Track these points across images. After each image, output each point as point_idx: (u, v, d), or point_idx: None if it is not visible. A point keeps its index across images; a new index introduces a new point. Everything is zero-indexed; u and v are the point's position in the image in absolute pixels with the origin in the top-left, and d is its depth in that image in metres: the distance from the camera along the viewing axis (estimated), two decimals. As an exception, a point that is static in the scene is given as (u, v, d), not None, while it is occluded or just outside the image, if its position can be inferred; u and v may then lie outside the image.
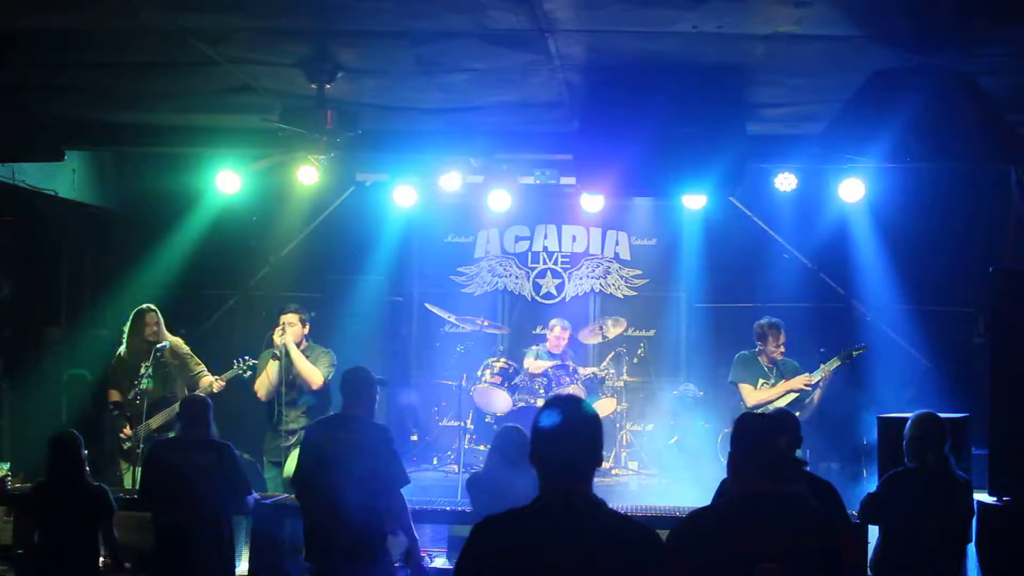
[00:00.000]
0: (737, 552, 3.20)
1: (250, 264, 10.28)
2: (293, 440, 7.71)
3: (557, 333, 9.40)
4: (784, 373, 8.18)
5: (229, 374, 7.76)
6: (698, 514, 3.48)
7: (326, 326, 9.10)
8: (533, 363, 9.28)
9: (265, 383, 7.87)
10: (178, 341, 8.00)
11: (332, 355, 7.99)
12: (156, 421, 7.60)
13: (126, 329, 7.98)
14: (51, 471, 5.83)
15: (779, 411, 5.40)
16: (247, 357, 7.85)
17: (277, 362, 7.80)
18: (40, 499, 5.84)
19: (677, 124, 6.52)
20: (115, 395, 7.91)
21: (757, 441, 3.44)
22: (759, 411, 7.27)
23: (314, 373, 7.78)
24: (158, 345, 7.75)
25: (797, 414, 6.68)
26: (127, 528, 7.00)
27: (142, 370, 7.64)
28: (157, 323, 7.87)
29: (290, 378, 7.82)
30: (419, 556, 5.55)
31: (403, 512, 5.43)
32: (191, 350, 8.04)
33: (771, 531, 3.24)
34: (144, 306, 7.97)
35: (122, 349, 7.96)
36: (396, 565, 5.46)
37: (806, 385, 8.07)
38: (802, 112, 7.37)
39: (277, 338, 7.79)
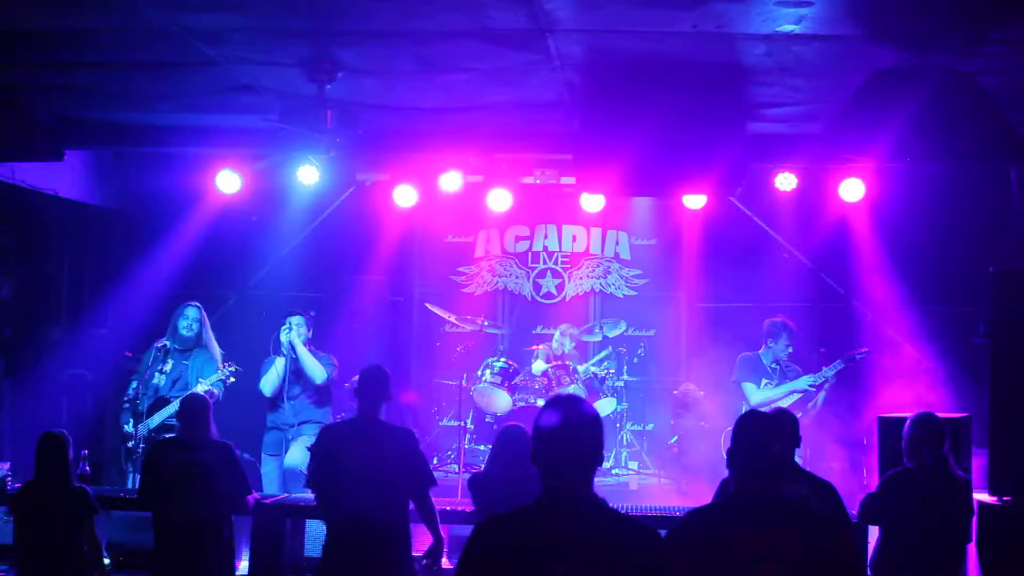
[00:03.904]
0: (736, 552, 3.20)
1: (250, 264, 10.27)
2: (292, 433, 7.90)
3: (558, 339, 9.41)
4: (787, 374, 8.19)
5: (213, 378, 7.71)
6: (696, 514, 3.48)
7: (326, 326, 9.11)
8: (538, 365, 9.32)
9: (270, 380, 8.00)
10: (213, 353, 7.93)
11: (332, 358, 8.12)
12: (154, 420, 7.60)
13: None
14: (37, 471, 5.85)
15: (777, 410, 5.39)
16: (230, 363, 7.84)
17: (283, 359, 7.91)
18: (26, 499, 5.84)
19: (677, 124, 6.52)
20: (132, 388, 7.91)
21: (755, 441, 3.45)
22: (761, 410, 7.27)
23: (318, 368, 7.94)
24: (157, 344, 7.76)
25: (799, 415, 6.67)
26: (127, 528, 7.04)
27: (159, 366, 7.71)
28: (197, 319, 7.88)
29: (294, 373, 7.94)
30: (441, 556, 5.56)
31: (432, 515, 5.47)
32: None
33: (770, 531, 3.24)
34: (187, 303, 7.98)
35: (159, 342, 7.89)
36: (423, 563, 5.48)
37: (810, 386, 8.08)
38: (802, 112, 7.37)
39: (283, 336, 7.88)
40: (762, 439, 3.45)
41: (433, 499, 5.52)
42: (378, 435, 5.36)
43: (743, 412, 3.65)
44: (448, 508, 6.82)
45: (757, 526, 3.25)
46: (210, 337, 8.00)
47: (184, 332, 7.81)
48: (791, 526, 3.26)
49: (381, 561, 5.24)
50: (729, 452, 3.50)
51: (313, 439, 7.62)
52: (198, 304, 7.99)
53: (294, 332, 7.91)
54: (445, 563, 6.73)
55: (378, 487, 5.20)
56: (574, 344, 9.51)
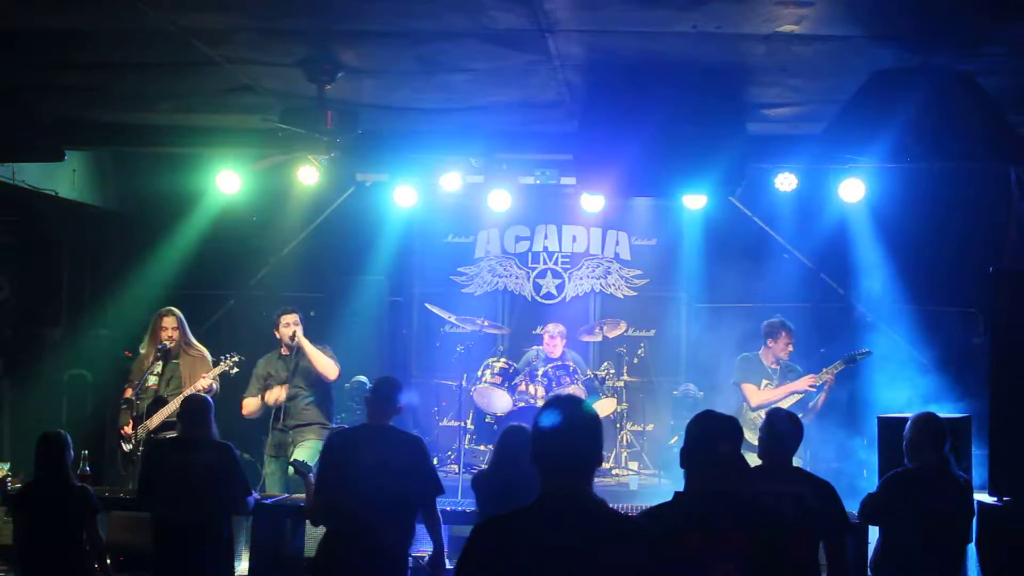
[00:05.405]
0: (689, 552, 3.18)
1: (250, 264, 10.27)
2: (294, 435, 7.83)
3: (547, 340, 9.38)
4: (787, 374, 8.18)
5: (215, 372, 7.71)
6: (650, 513, 3.46)
7: (326, 326, 9.11)
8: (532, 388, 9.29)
9: (250, 406, 7.97)
10: (201, 351, 7.88)
11: (329, 350, 8.06)
12: (153, 421, 7.58)
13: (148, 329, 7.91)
14: (36, 471, 5.85)
15: (778, 410, 5.39)
16: (232, 354, 7.82)
17: (270, 390, 7.89)
18: (26, 499, 5.84)
19: (677, 124, 6.52)
20: (128, 392, 7.84)
21: (704, 440, 3.42)
22: (764, 410, 7.27)
23: (330, 364, 7.89)
24: (158, 345, 7.73)
25: (799, 415, 6.67)
26: (127, 528, 7.04)
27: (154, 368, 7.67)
28: (175, 327, 7.79)
29: (295, 373, 7.89)
30: (444, 563, 5.56)
31: (437, 522, 5.49)
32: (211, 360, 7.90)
33: (720, 531, 3.22)
34: (164, 308, 7.92)
35: (141, 348, 7.91)
36: (427, 571, 5.48)
37: (810, 386, 8.08)
38: (802, 112, 7.37)
39: (288, 339, 7.84)
40: (711, 439, 3.41)
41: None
42: (389, 442, 5.36)
43: (697, 413, 3.60)
44: (448, 508, 6.83)
45: (710, 527, 3.24)
46: (190, 336, 7.91)
47: (167, 343, 7.72)
48: (739, 527, 3.25)
49: (382, 567, 5.23)
50: (681, 452, 3.48)
51: (310, 445, 7.65)
52: (173, 310, 7.87)
53: (298, 333, 7.82)
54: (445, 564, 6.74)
55: (387, 494, 5.19)
56: (565, 342, 9.49)
